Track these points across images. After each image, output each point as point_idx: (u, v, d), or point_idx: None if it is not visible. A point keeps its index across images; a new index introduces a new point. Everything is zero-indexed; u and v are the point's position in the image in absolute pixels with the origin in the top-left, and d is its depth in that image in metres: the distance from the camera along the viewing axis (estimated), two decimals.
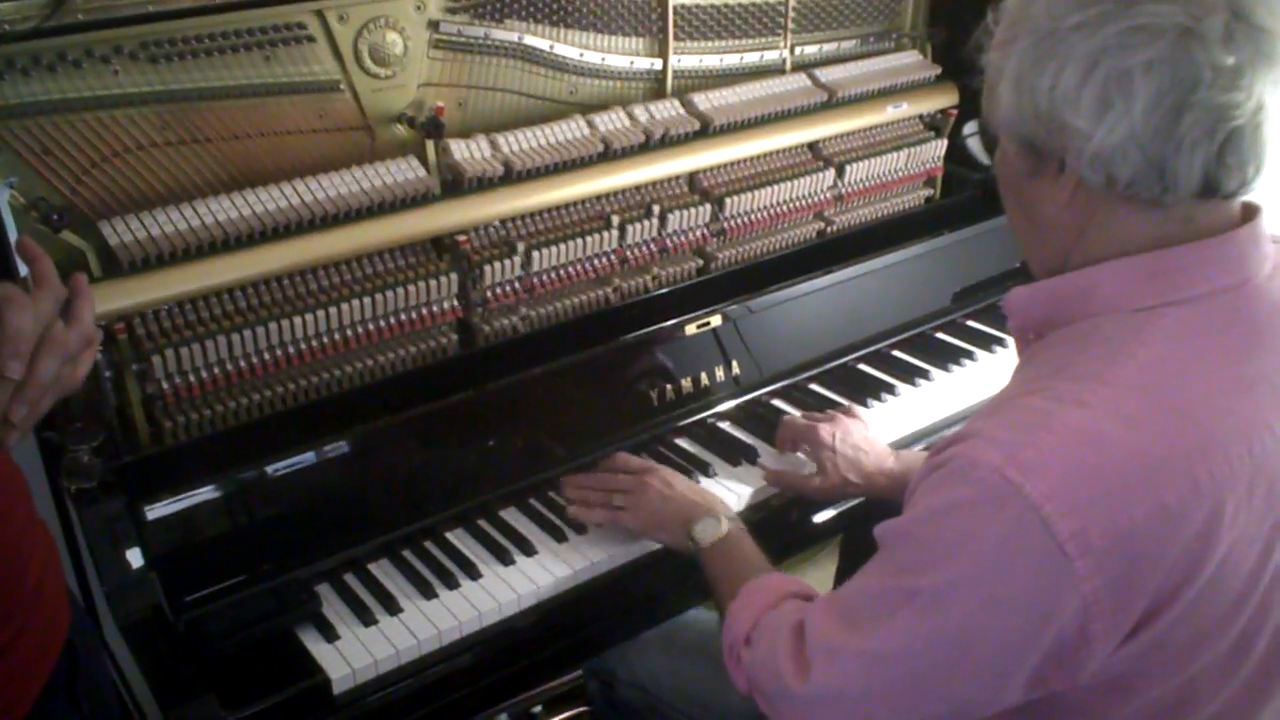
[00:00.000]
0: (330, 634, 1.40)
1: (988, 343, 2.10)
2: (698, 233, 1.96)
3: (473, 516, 1.61)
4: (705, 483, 1.70)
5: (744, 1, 2.01)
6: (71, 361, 0.99)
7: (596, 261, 1.84)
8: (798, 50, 2.14)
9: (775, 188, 2.04)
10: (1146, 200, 1.01)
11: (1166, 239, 1.03)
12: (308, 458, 1.50)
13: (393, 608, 1.44)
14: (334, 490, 1.53)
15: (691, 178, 1.97)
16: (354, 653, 1.37)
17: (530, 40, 1.78)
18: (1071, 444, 0.97)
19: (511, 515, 1.63)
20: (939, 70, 2.25)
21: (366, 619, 1.42)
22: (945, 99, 2.27)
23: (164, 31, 1.45)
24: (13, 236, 1.38)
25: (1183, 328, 1.03)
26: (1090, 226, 1.06)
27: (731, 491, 1.67)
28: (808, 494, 1.68)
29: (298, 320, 1.56)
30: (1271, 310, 1.07)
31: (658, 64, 1.96)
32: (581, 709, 2.17)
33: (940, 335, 2.14)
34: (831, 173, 2.12)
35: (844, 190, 2.16)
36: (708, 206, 1.96)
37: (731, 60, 2.05)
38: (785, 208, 2.08)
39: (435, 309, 1.69)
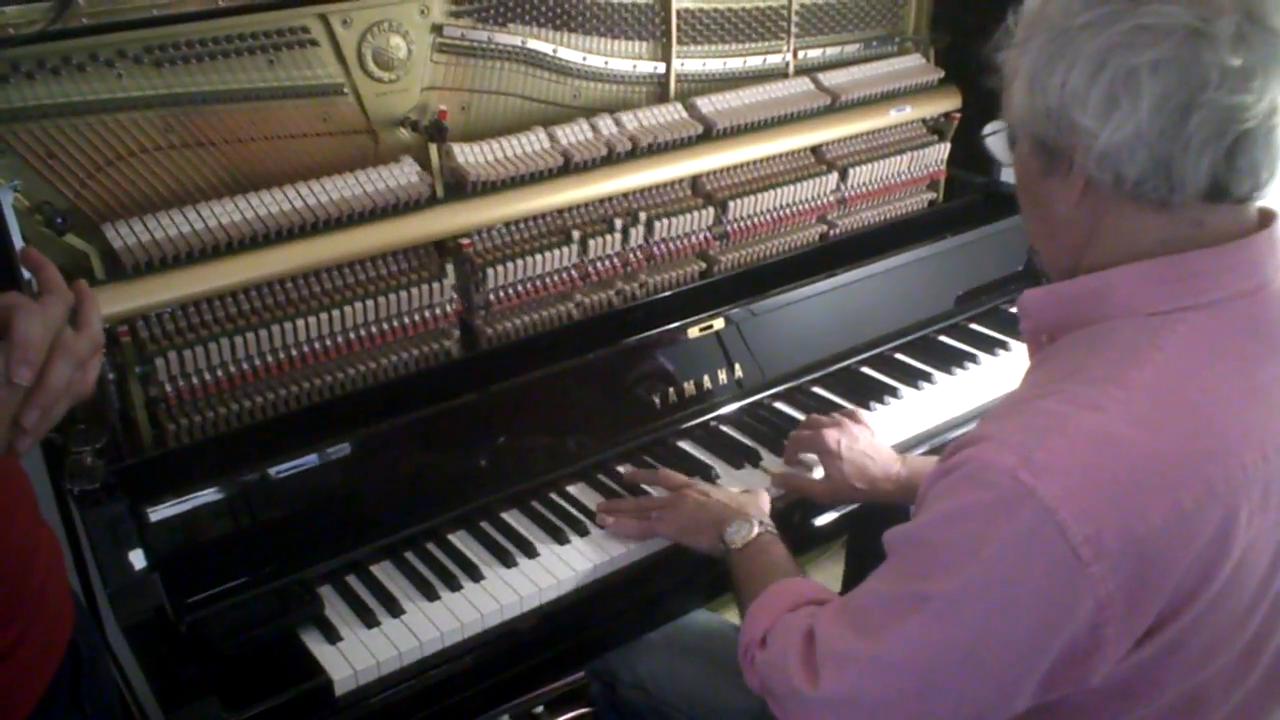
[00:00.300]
0: (332, 635, 1.40)
1: (991, 346, 2.10)
2: (700, 236, 1.97)
3: (475, 518, 1.61)
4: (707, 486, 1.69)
5: (747, 5, 2.01)
6: (81, 367, 0.99)
7: (600, 264, 1.85)
8: (801, 54, 2.14)
9: (778, 191, 2.04)
10: (1154, 201, 1.00)
11: (1177, 242, 1.03)
12: (310, 460, 1.50)
13: (395, 609, 1.44)
14: (336, 492, 1.53)
15: (694, 181, 1.97)
16: (356, 654, 1.37)
17: (533, 44, 1.79)
18: (1086, 447, 0.96)
19: (514, 517, 1.63)
20: (941, 74, 2.26)
21: (369, 620, 1.42)
22: (948, 102, 2.27)
23: (168, 35, 1.45)
24: (17, 240, 1.39)
25: (1198, 332, 1.02)
26: (1100, 226, 1.06)
27: None
28: (813, 497, 1.68)
29: (301, 323, 1.57)
30: None
31: (661, 68, 1.96)
32: (583, 710, 2.17)
33: (943, 338, 2.14)
34: (834, 176, 2.12)
35: (847, 194, 2.17)
36: (711, 210, 1.96)
37: (734, 64, 2.05)
38: (788, 211, 2.08)
39: (438, 312, 1.69)
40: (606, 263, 1.86)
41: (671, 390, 1.81)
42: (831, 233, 2.18)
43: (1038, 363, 1.16)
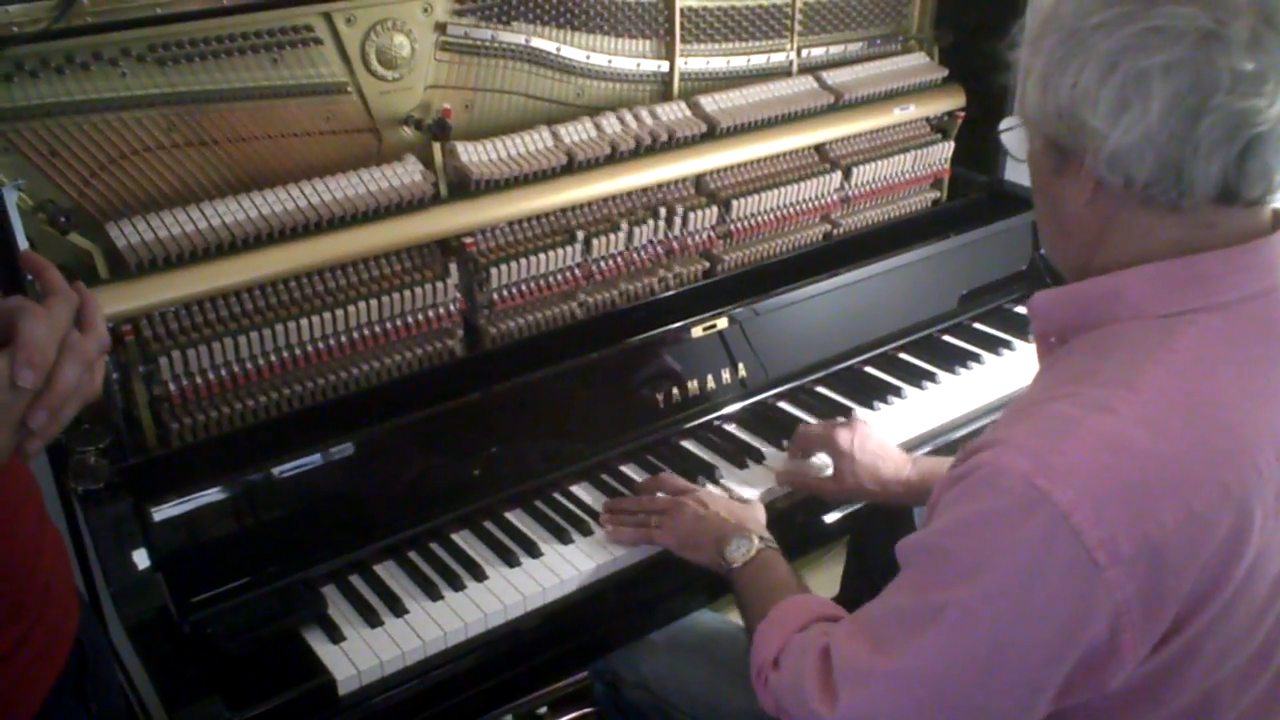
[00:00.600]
0: (336, 635, 1.40)
1: (995, 346, 2.09)
2: (704, 235, 1.96)
3: (478, 518, 1.61)
4: (710, 487, 1.69)
5: (750, 4, 2.01)
6: (89, 369, 0.98)
7: (603, 264, 1.84)
8: (804, 52, 2.14)
9: (782, 190, 2.04)
10: (1165, 204, 1.00)
11: (1188, 244, 1.03)
12: (314, 459, 1.50)
13: (398, 609, 1.44)
14: (340, 492, 1.53)
15: (698, 180, 1.97)
16: (359, 654, 1.37)
17: (537, 42, 1.78)
18: (1099, 451, 0.96)
19: (517, 517, 1.63)
20: (945, 72, 2.25)
21: (372, 620, 1.42)
22: (952, 101, 2.27)
23: (172, 34, 1.45)
24: (21, 239, 1.38)
25: (1211, 334, 1.02)
26: (1111, 227, 1.06)
27: (738, 495, 1.67)
28: (821, 495, 1.68)
29: (304, 322, 1.57)
30: None
31: (664, 66, 1.96)
32: (586, 710, 2.17)
33: (947, 338, 2.13)
34: (838, 175, 2.12)
35: (850, 192, 2.17)
36: (714, 209, 1.96)
37: (738, 62, 2.05)
38: (792, 210, 2.08)
39: (441, 311, 1.69)
40: (610, 262, 1.85)
41: (675, 390, 1.80)
42: (835, 232, 2.17)
43: (1048, 365, 1.16)
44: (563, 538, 1.58)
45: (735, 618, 1.51)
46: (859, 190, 2.18)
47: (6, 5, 1.31)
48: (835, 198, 2.14)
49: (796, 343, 1.96)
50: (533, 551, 1.55)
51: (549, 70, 1.82)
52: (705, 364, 1.84)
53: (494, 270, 1.72)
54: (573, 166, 1.78)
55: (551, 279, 1.80)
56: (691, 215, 1.92)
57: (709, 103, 1.95)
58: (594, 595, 1.52)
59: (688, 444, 1.81)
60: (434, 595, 1.47)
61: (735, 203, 1.97)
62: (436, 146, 1.68)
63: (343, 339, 1.61)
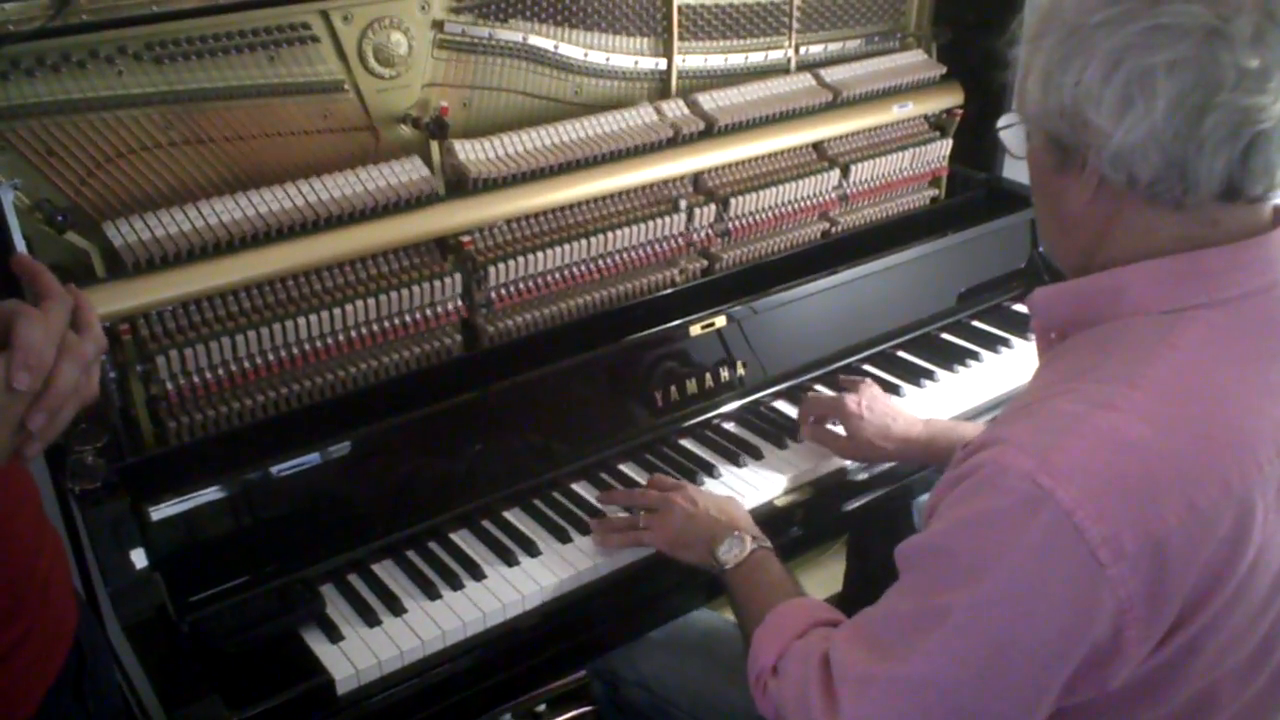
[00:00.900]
0: (334, 634, 1.40)
1: (993, 343, 2.09)
2: (702, 233, 1.96)
3: (477, 517, 1.61)
4: (709, 483, 1.70)
5: (749, 1, 2.01)
6: (87, 370, 0.98)
7: (601, 262, 1.84)
8: (802, 50, 2.13)
9: (780, 188, 2.04)
10: (1168, 201, 1.00)
11: (1191, 241, 1.02)
12: (312, 458, 1.50)
13: (397, 608, 1.44)
14: (338, 491, 1.53)
15: (696, 178, 1.97)
16: (358, 653, 1.37)
17: (535, 40, 1.78)
18: (1101, 448, 0.96)
19: (516, 516, 1.63)
20: (944, 70, 2.25)
21: (370, 620, 1.42)
22: (950, 98, 2.26)
23: (168, 32, 1.45)
24: (18, 239, 1.38)
25: (1212, 330, 1.02)
26: (1114, 225, 1.06)
27: (737, 493, 1.67)
28: (837, 453, 1.72)
29: (302, 321, 1.56)
30: None
31: (662, 64, 1.95)
32: (585, 709, 2.17)
33: (945, 336, 2.13)
34: (836, 173, 2.12)
35: (849, 190, 2.16)
36: (712, 207, 1.95)
37: (736, 60, 2.05)
38: (790, 208, 2.08)
39: (439, 310, 1.69)
40: (608, 260, 1.85)
41: (673, 388, 1.80)
42: (833, 230, 2.17)
43: (1048, 361, 1.16)
44: (561, 537, 1.57)
45: (733, 616, 1.51)
46: (857, 188, 2.18)
47: (2, 4, 1.30)
48: (833, 195, 2.14)
49: (795, 341, 1.96)
50: (531, 550, 1.54)
51: (547, 68, 1.82)
52: (704, 362, 1.84)
53: (492, 269, 1.72)
54: (570, 165, 1.78)
55: (550, 277, 1.79)
56: (690, 213, 1.92)
57: (707, 100, 1.95)
58: (592, 594, 1.52)
59: (686, 442, 1.81)
60: (432, 594, 1.46)
61: (733, 201, 1.97)
62: (434, 145, 1.67)
63: (340, 338, 1.61)
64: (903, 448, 1.67)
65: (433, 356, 1.71)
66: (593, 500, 1.65)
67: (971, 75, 2.24)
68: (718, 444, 1.80)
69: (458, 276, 1.69)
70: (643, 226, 1.86)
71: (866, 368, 2.02)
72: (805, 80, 2.09)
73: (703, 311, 1.85)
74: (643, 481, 1.69)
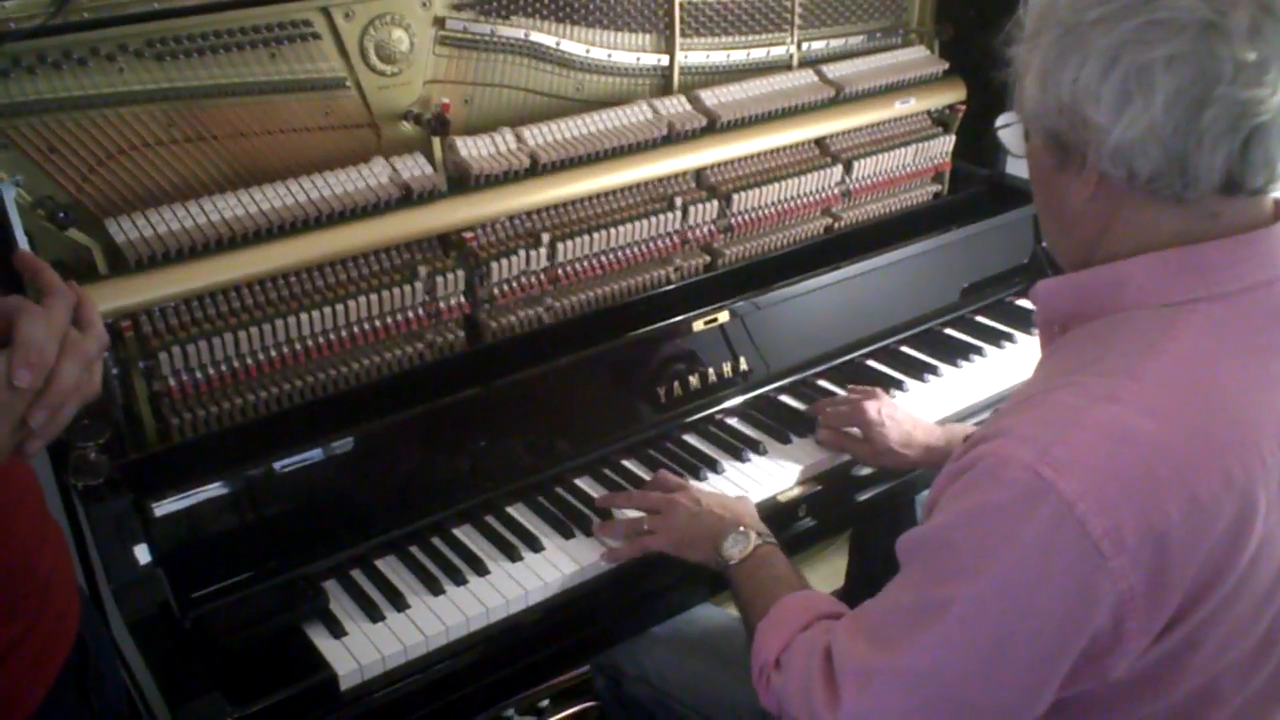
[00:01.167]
0: (337, 630, 1.39)
1: (996, 338, 2.09)
2: (705, 229, 1.96)
3: (480, 513, 1.61)
4: (713, 478, 1.70)
5: None
6: (89, 367, 0.98)
7: (604, 258, 1.84)
8: (804, 46, 2.13)
9: (782, 184, 2.04)
10: (1169, 196, 1.00)
11: (1192, 235, 1.02)
12: (315, 454, 1.50)
13: (400, 604, 1.44)
14: (341, 487, 1.53)
15: (699, 174, 1.97)
16: (361, 649, 1.37)
17: (536, 37, 1.78)
18: (1103, 440, 0.96)
19: (519, 511, 1.63)
20: (946, 65, 2.25)
21: (374, 615, 1.42)
22: (953, 94, 2.26)
23: (170, 29, 1.45)
24: (20, 236, 1.38)
25: (1213, 323, 1.02)
26: (1114, 221, 1.06)
27: (740, 489, 1.67)
28: (859, 458, 1.72)
29: (304, 317, 1.57)
30: None
31: (664, 60, 1.95)
32: (588, 704, 2.17)
33: (949, 331, 2.13)
34: (839, 169, 2.12)
35: (851, 186, 2.16)
36: (715, 203, 1.95)
37: (738, 56, 2.05)
38: (792, 204, 2.07)
39: (441, 306, 1.69)
40: (611, 256, 1.85)
41: (676, 384, 1.80)
42: (836, 225, 2.17)
43: (1050, 353, 1.16)
44: (564, 532, 1.57)
45: (736, 612, 1.51)
46: (860, 184, 2.17)
47: (3, 1, 1.30)
48: (836, 191, 2.14)
49: (798, 336, 1.96)
50: (534, 546, 1.54)
51: (548, 65, 1.82)
52: (706, 358, 1.84)
53: (494, 264, 1.72)
54: (572, 161, 1.78)
55: (552, 274, 1.79)
56: (692, 209, 1.92)
57: (709, 97, 1.95)
58: (596, 589, 1.52)
59: (689, 438, 1.80)
60: (435, 590, 1.46)
61: (736, 197, 1.97)
62: (436, 141, 1.67)
63: (342, 334, 1.61)
64: (925, 455, 1.67)
65: (435, 352, 1.71)
66: (594, 496, 1.65)
67: (974, 71, 2.24)
68: (721, 439, 1.80)
69: (460, 272, 1.69)
70: (645, 222, 1.87)
71: (870, 363, 2.02)
72: (807, 76, 2.09)
73: (706, 307, 1.85)
74: (646, 477, 1.68)
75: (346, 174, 1.60)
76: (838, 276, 1.99)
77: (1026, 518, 0.95)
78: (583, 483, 1.69)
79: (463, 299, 1.71)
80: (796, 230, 2.11)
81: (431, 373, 1.68)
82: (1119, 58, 0.95)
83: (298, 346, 1.58)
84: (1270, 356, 1.03)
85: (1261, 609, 1.05)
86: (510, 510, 1.63)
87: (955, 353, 2.04)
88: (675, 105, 1.92)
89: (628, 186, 1.86)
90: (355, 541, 1.52)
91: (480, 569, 1.50)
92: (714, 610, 1.74)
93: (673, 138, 1.89)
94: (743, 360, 1.88)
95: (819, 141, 2.12)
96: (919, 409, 1.88)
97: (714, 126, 1.94)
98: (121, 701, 1.37)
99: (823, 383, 1.95)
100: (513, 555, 1.53)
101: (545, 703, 2.21)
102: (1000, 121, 1.18)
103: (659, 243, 1.90)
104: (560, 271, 1.80)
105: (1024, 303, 2.19)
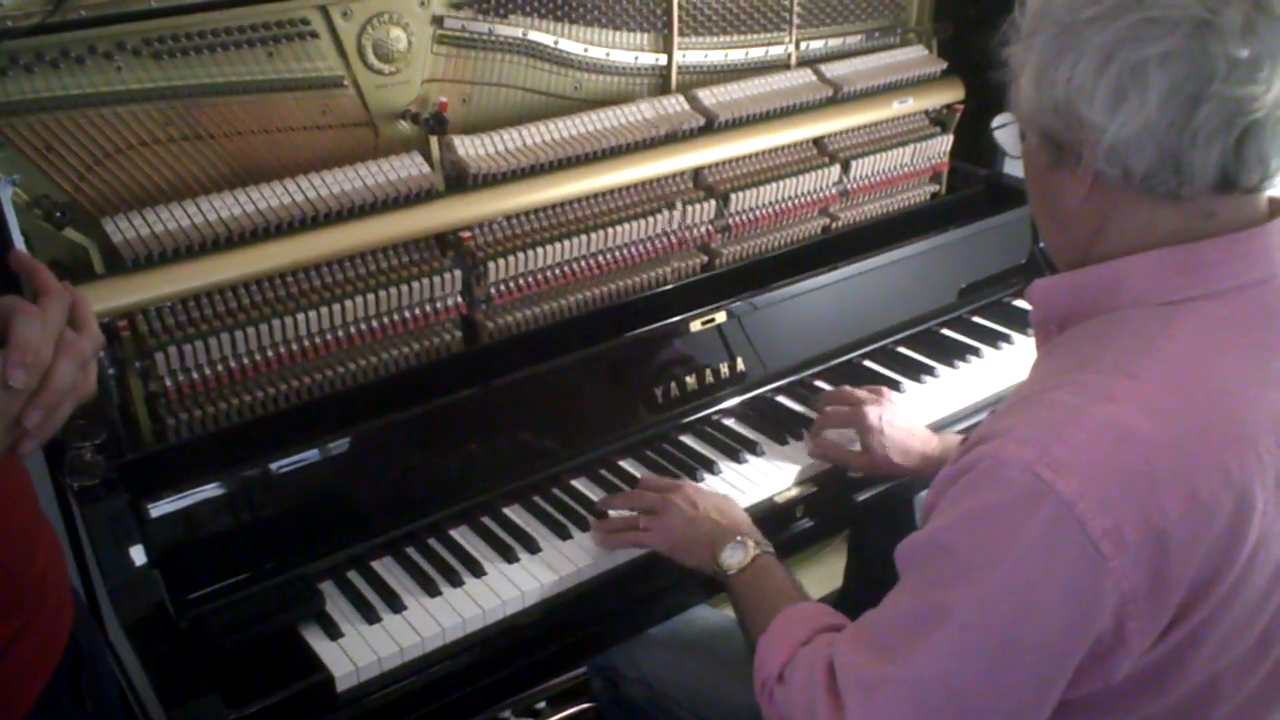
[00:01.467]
0: (334, 631, 1.39)
1: (994, 339, 2.09)
2: (702, 229, 1.96)
3: (477, 514, 1.61)
4: (710, 479, 1.69)
5: None
6: (84, 368, 0.98)
7: (601, 258, 1.84)
8: (803, 45, 2.13)
9: (780, 183, 2.03)
10: (1164, 194, 1.00)
11: (1187, 233, 1.03)
12: (311, 455, 1.49)
13: (396, 605, 1.44)
14: (337, 488, 1.53)
15: (696, 174, 1.96)
16: (357, 650, 1.37)
17: (535, 36, 1.78)
18: (1101, 439, 0.96)
19: (515, 512, 1.62)
20: (944, 65, 2.25)
21: (370, 616, 1.42)
22: (951, 94, 2.26)
23: (167, 27, 1.44)
24: (16, 235, 1.38)
25: (1210, 321, 1.02)
26: (1110, 220, 1.06)
27: (737, 489, 1.67)
28: (853, 469, 1.70)
29: (301, 317, 1.56)
30: None
31: (663, 59, 1.95)
32: (585, 705, 2.17)
33: (946, 332, 2.13)
34: (837, 168, 2.11)
35: (849, 186, 2.16)
36: (712, 202, 1.95)
37: (736, 56, 2.04)
38: (790, 204, 2.07)
39: (439, 306, 1.68)
40: (608, 256, 1.85)
41: (673, 384, 1.80)
42: (833, 225, 2.17)
43: (1046, 353, 1.16)
44: (561, 533, 1.57)
45: (733, 613, 1.51)
46: (857, 184, 2.17)
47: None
48: (834, 191, 2.14)
49: (795, 337, 1.96)
50: (531, 547, 1.54)
51: (547, 64, 1.82)
52: (703, 358, 1.84)
53: (492, 264, 1.71)
54: (570, 161, 1.77)
55: (549, 273, 1.79)
56: (689, 209, 1.92)
57: (707, 96, 1.95)
58: (593, 591, 1.52)
59: (686, 438, 1.80)
60: (432, 591, 1.46)
61: (733, 196, 1.97)
62: (434, 140, 1.67)
63: (339, 334, 1.61)
64: (922, 465, 1.64)
65: (432, 352, 1.71)
66: (591, 497, 1.65)
67: (972, 71, 2.24)
68: (718, 440, 1.79)
69: (457, 272, 1.68)
70: (643, 222, 1.86)
71: (867, 363, 2.02)
72: (806, 76, 2.09)
73: (703, 307, 1.85)
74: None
75: (344, 173, 1.60)
76: (835, 277, 1.99)
77: (1026, 519, 0.94)
78: (579, 484, 1.69)
79: (459, 299, 1.70)
80: (794, 230, 2.11)
81: (428, 373, 1.67)
82: (1113, 56, 0.96)
83: (294, 347, 1.57)
84: (1266, 354, 1.04)
85: (1259, 607, 1.05)
86: (507, 511, 1.62)
87: (952, 353, 2.04)
88: (673, 104, 1.91)
89: (625, 186, 1.86)
90: (352, 542, 1.51)
91: (477, 570, 1.50)
92: (711, 612, 1.74)
93: (671, 137, 1.88)
94: (740, 361, 1.87)
95: (817, 141, 2.12)
96: (916, 410, 1.88)
97: (712, 126, 1.93)
98: (116, 703, 1.37)
99: (820, 383, 1.95)
100: (509, 556, 1.52)
101: (542, 704, 2.21)
102: (996, 122, 1.18)
103: (656, 242, 1.90)
104: (558, 271, 1.80)
105: (1021, 303, 2.19)
